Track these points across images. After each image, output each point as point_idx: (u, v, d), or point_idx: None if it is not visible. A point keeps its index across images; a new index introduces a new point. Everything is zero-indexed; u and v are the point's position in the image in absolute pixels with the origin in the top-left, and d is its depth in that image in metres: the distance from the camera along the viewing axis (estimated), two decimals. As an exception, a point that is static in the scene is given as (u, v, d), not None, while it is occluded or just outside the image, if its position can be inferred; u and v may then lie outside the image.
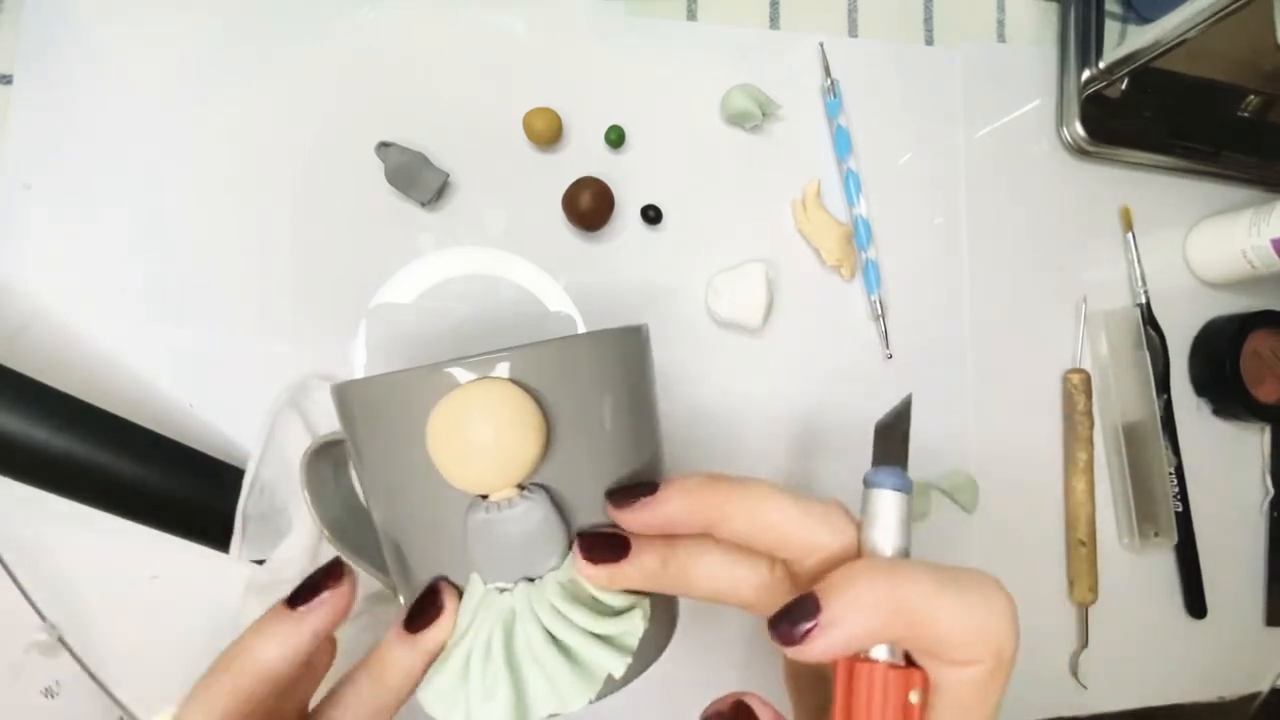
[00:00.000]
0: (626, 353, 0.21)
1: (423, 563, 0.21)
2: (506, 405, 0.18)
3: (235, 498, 0.28)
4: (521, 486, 0.18)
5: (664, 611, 0.22)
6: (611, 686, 0.19)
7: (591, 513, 0.20)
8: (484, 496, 0.18)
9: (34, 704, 0.28)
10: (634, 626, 0.19)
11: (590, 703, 0.18)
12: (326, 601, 0.18)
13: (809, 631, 0.16)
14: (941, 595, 0.16)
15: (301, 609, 0.18)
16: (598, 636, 0.19)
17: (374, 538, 0.23)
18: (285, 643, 0.18)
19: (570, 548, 0.19)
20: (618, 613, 0.19)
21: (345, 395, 0.21)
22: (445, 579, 0.19)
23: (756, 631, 0.35)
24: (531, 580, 0.19)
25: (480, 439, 0.17)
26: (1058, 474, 0.39)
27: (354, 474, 0.25)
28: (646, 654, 0.20)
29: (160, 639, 0.29)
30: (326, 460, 0.24)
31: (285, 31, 0.33)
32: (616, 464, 0.21)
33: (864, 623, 0.16)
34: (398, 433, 0.19)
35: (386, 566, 0.23)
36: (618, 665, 0.18)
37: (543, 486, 0.19)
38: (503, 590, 0.19)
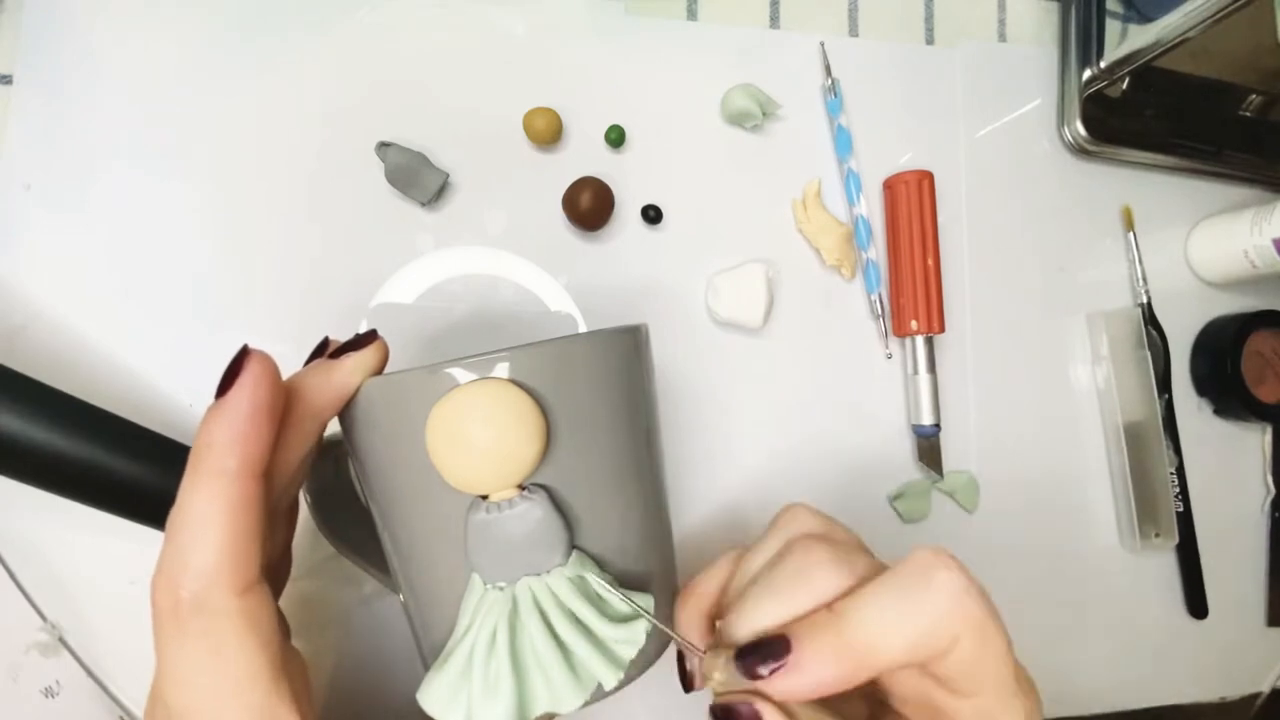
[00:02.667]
0: (626, 352, 0.21)
1: (423, 563, 0.21)
2: (506, 406, 0.18)
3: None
4: (521, 486, 0.18)
5: (666, 617, 0.22)
6: (602, 693, 0.19)
7: (592, 513, 0.20)
8: (484, 497, 0.18)
9: (34, 704, 0.28)
10: (636, 635, 0.19)
11: (584, 704, 0.18)
12: (371, 352, 0.20)
13: (776, 671, 0.16)
14: (887, 621, 0.16)
15: (341, 357, 0.20)
16: (598, 641, 0.19)
17: (374, 538, 0.23)
18: (330, 379, 0.19)
19: (571, 547, 0.19)
20: (623, 618, 0.19)
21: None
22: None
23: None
24: (537, 577, 0.19)
25: (480, 439, 0.17)
26: (1059, 473, 0.39)
27: (354, 474, 0.25)
28: (644, 658, 0.20)
29: (160, 639, 0.29)
30: (327, 460, 0.24)
31: (285, 31, 0.33)
32: (617, 463, 0.21)
33: (828, 672, 0.16)
34: (397, 434, 0.19)
35: (387, 566, 0.23)
36: (612, 674, 0.18)
37: (543, 486, 0.19)
38: (503, 589, 0.19)
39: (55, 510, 0.26)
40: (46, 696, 0.28)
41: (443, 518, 0.19)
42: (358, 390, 0.20)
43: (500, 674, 0.18)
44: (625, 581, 0.20)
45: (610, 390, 0.20)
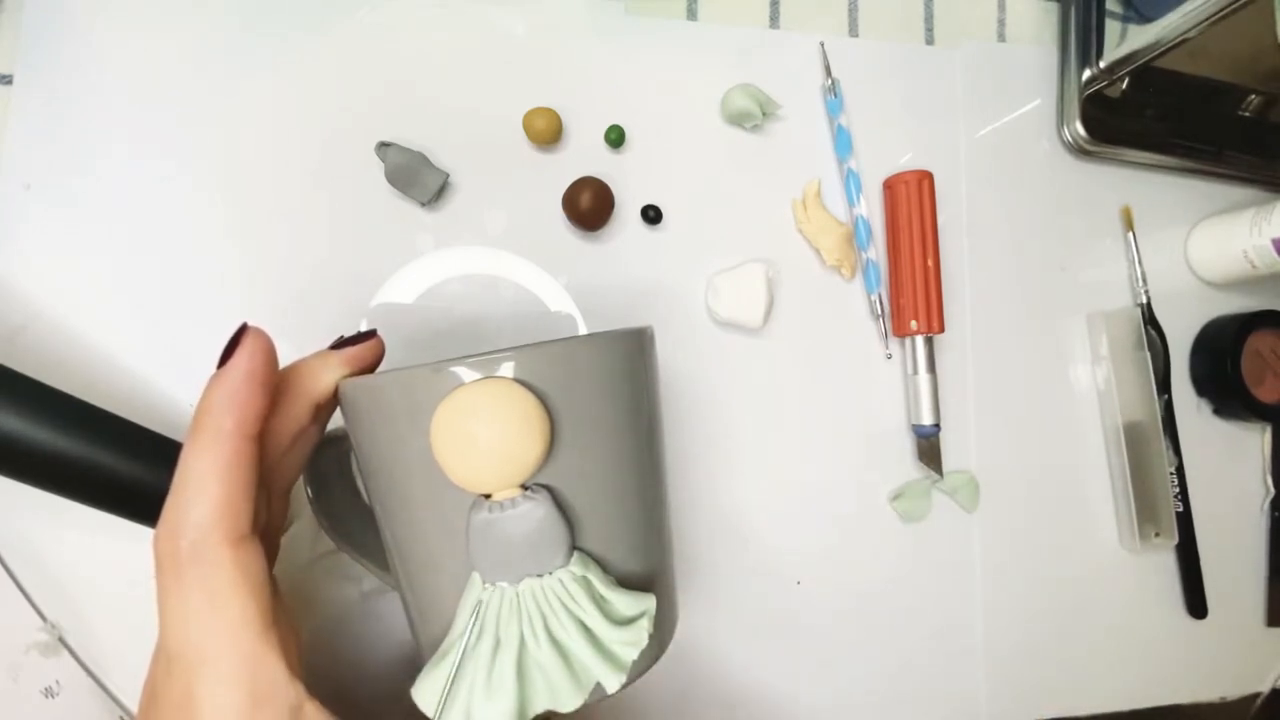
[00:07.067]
0: (631, 354, 0.21)
1: (423, 561, 0.21)
2: (511, 405, 0.18)
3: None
4: (524, 486, 0.18)
5: (666, 618, 0.22)
6: (603, 693, 0.19)
7: (594, 514, 0.20)
8: (487, 496, 0.18)
9: (34, 704, 0.28)
10: (639, 637, 0.19)
11: (583, 703, 0.18)
12: (362, 347, 0.22)
13: None
14: None
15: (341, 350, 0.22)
16: (599, 643, 0.19)
17: (375, 535, 0.23)
18: (325, 365, 0.21)
19: (573, 548, 0.19)
20: (626, 620, 0.19)
21: (349, 393, 0.21)
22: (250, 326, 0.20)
23: (754, 632, 0.35)
24: (538, 577, 0.19)
25: (484, 438, 0.17)
26: (1059, 473, 0.39)
27: (356, 471, 0.25)
28: (646, 660, 0.20)
29: (160, 639, 0.29)
30: (330, 457, 0.24)
31: (285, 32, 0.33)
32: (619, 465, 0.21)
33: None
34: (401, 431, 0.19)
35: (386, 563, 0.23)
36: (614, 676, 0.18)
37: (545, 487, 0.19)
38: (505, 589, 0.19)
39: (55, 510, 0.26)
40: (46, 696, 0.28)
41: (444, 516, 0.19)
42: (363, 388, 0.20)
43: (502, 674, 0.18)
44: (626, 583, 0.20)
45: (615, 392, 0.20)
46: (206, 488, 0.17)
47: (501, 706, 0.18)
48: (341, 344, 0.22)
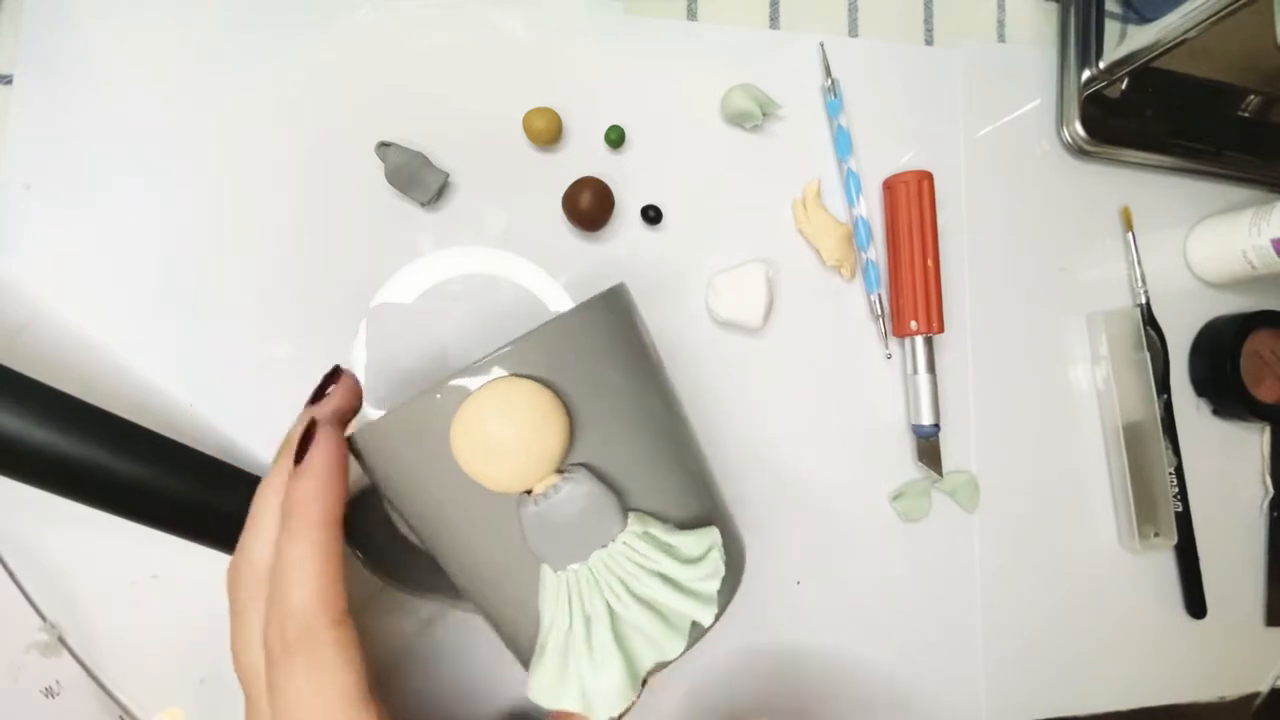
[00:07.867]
0: (615, 314, 0.22)
1: (491, 574, 0.21)
2: (521, 400, 0.18)
3: (235, 497, 0.28)
4: (560, 471, 0.19)
5: (733, 547, 0.23)
6: (700, 631, 0.20)
7: (634, 473, 0.20)
8: (528, 491, 0.19)
9: (34, 704, 0.28)
10: (715, 568, 0.20)
11: (688, 647, 0.19)
12: (335, 393, 0.22)
13: None
14: None
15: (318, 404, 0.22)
16: (681, 586, 0.19)
17: (432, 568, 0.23)
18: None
19: (625, 510, 0.19)
20: (697, 558, 0.20)
21: (362, 445, 0.21)
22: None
23: (754, 632, 0.35)
24: (603, 548, 0.19)
25: (506, 439, 0.18)
26: (1059, 473, 0.39)
27: (389, 509, 0.25)
28: (730, 587, 0.21)
29: (160, 639, 0.29)
30: (362, 511, 0.24)
31: (285, 32, 0.33)
32: (642, 419, 0.21)
33: None
34: (424, 460, 0.19)
35: (431, 587, 0.23)
36: (706, 611, 0.19)
37: (580, 464, 0.19)
38: (577, 570, 0.19)
39: (55, 510, 0.26)
40: (46, 696, 0.28)
41: (494, 524, 0.19)
42: (372, 435, 0.20)
43: (603, 646, 0.18)
44: (685, 526, 0.21)
45: (613, 353, 0.21)
46: (306, 575, 0.19)
47: (612, 674, 0.18)
48: (316, 398, 0.22)
